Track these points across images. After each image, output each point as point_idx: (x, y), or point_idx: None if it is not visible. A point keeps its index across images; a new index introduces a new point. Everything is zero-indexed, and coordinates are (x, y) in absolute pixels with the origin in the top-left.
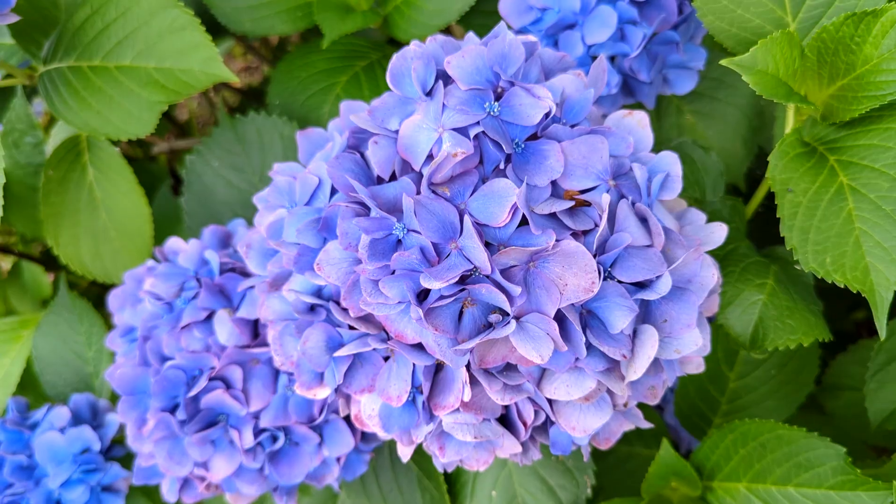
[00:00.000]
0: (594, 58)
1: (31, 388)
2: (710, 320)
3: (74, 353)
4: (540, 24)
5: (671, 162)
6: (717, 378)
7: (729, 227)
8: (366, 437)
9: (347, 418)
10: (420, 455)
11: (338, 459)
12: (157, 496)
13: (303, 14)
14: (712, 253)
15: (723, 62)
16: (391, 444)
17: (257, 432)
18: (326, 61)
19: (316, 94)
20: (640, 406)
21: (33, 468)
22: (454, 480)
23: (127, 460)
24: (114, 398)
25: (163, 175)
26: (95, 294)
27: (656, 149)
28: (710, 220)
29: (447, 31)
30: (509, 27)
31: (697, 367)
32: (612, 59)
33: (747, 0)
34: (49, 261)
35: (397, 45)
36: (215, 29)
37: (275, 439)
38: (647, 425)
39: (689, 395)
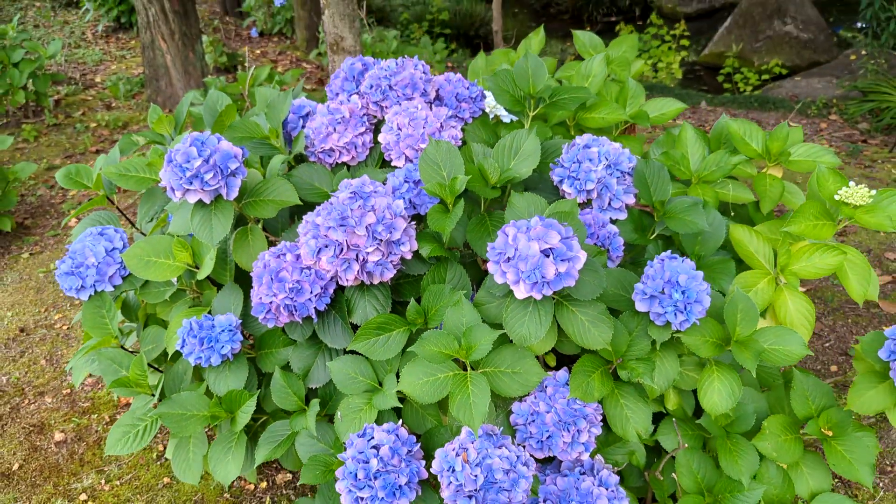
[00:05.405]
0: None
1: None
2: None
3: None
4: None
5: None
6: None
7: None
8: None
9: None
10: (341, 311)
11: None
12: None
13: None
14: None
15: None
16: (335, 312)
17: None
18: None
19: None
20: None
21: (212, 328)
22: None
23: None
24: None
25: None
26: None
27: None
28: None
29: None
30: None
31: None
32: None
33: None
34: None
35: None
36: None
37: (298, 290)
38: (391, 272)
39: None
